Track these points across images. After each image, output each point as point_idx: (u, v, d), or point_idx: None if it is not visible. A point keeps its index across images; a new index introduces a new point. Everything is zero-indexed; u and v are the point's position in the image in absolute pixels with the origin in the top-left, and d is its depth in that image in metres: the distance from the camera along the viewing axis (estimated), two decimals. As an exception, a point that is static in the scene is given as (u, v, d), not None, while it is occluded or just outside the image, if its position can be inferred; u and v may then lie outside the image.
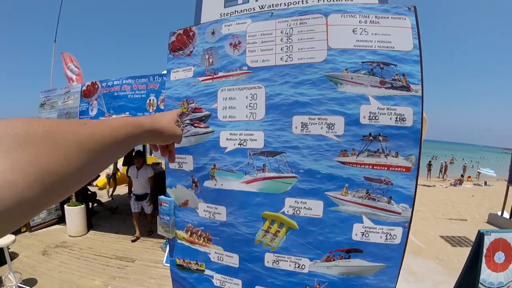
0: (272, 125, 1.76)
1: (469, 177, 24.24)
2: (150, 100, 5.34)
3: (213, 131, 1.91)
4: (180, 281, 2.27)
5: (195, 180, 2.02)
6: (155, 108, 5.23)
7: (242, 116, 1.84)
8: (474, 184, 21.36)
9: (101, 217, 8.02)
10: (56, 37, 9.76)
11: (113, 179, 10.25)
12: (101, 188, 10.28)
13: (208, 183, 1.96)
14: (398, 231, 1.63)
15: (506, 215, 9.99)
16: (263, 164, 1.78)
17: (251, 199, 1.83)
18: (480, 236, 2.02)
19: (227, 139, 1.87)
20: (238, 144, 1.84)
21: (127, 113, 5.49)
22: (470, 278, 2.06)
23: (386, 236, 1.65)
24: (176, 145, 2.06)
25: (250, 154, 1.81)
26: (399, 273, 1.70)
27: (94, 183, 10.26)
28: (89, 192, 8.15)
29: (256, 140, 1.79)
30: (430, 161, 24.78)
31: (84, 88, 6.18)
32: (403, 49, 1.60)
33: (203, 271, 2.12)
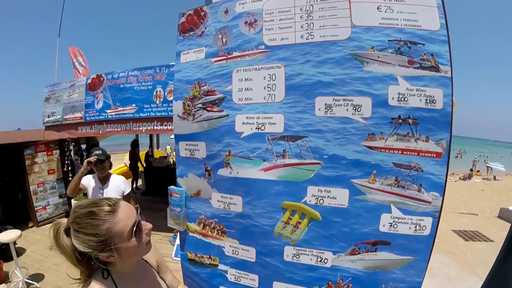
0: (293, 107, 1.63)
1: (478, 171, 23.94)
2: (157, 91, 5.25)
3: (228, 115, 1.78)
4: (192, 276, 2.15)
5: (208, 168, 1.89)
6: (162, 99, 5.16)
7: (259, 98, 1.71)
8: (483, 179, 21.05)
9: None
10: (60, 31, 9.74)
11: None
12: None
13: (223, 171, 1.84)
14: (428, 222, 1.51)
15: (517, 209, 9.84)
16: (283, 150, 1.65)
17: (270, 188, 1.70)
18: None
19: (243, 123, 1.74)
20: (256, 128, 1.71)
21: (134, 105, 5.39)
22: (503, 268, 1.93)
23: (416, 227, 1.53)
24: (187, 131, 1.95)
25: (269, 139, 1.68)
26: (427, 266, 1.58)
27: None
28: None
29: (275, 123, 1.66)
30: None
31: (89, 81, 6.09)
32: (430, 29, 1.47)
33: (217, 265, 2.00)
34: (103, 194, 3.65)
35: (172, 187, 2.03)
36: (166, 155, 12.64)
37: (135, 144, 10.71)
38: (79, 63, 7.93)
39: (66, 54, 8.34)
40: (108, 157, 3.79)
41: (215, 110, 1.82)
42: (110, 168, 3.98)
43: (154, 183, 10.03)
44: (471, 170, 22.56)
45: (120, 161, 11.28)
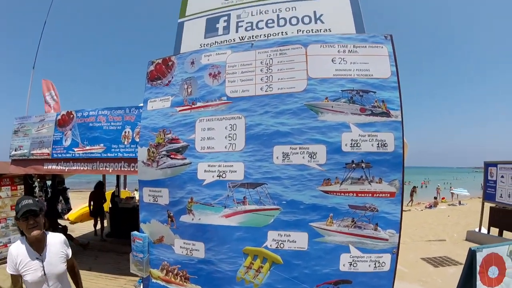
0: (253, 155, 1.70)
1: (443, 198, 24.65)
2: (125, 132, 5.19)
3: (191, 163, 1.83)
4: None
5: (171, 214, 1.91)
6: (130, 140, 5.11)
7: (221, 147, 1.78)
8: (449, 205, 21.66)
9: (72, 252, 7.45)
10: (35, 63, 9.56)
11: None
12: (72, 222, 9.80)
13: (185, 218, 1.86)
14: (387, 258, 1.59)
15: (484, 230, 10.16)
16: (244, 197, 1.71)
17: (231, 234, 1.73)
18: (472, 254, 2.00)
19: (205, 171, 1.79)
20: (217, 176, 1.76)
21: (102, 144, 5.29)
22: None
23: (375, 264, 1.59)
24: (151, 178, 1.97)
25: (229, 186, 1.73)
26: None
27: (66, 217, 9.79)
28: (59, 226, 7.76)
29: (236, 171, 1.73)
30: (415, 187, 24.80)
31: (59, 117, 5.95)
32: (381, 76, 1.62)
33: None
34: (43, 266, 2.39)
35: (135, 232, 2.02)
36: (133, 195, 12.24)
37: (99, 185, 9.77)
38: (51, 96, 7.78)
39: (39, 86, 8.18)
40: (41, 209, 2.44)
41: (178, 157, 1.87)
42: (45, 227, 2.56)
43: (120, 224, 9.62)
44: (435, 198, 23.23)
45: (85, 200, 10.79)
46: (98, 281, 5.92)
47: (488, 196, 7.51)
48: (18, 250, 2.44)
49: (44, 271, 2.41)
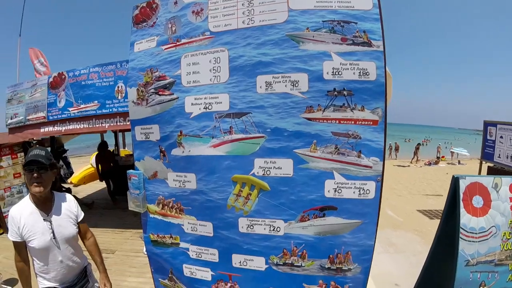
0: (237, 86, 1.74)
1: (443, 157, 24.85)
2: (118, 87, 5.19)
3: (178, 97, 1.87)
4: (156, 257, 2.24)
5: (163, 149, 1.98)
6: (123, 95, 5.09)
7: (206, 80, 1.81)
8: (448, 164, 21.93)
9: None
10: (21, 31, 9.38)
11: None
12: (76, 185, 10.01)
13: (176, 151, 1.93)
14: (371, 185, 1.65)
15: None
16: (230, 126, 1.76)
17: (220, 163, 1.81)
18: (455, 181, 2.02)
19: (192, 104, 1.84)
20: (204, 108, 1.81)
21: (96, 101, 5.29)
22: (450, 225, 2.05)
23: (359, 191, 1.66)
24: (141, 116, 2.02)
25: (216, 117, 1.78)
26: (376, 229, 1.71)
27: (69, 180, 10.00)
28: (63, 189, 7.93)
29: (221, 102, 1.77)
30: (419, 144, 24.86)
31: (51, 79, 5.91)
32: (363, 8, 1.61)
33: (178, 244, 2.09)
34: (51, 227, 2.16)
35: (131, 170, 2.10)
36: (132, 153, 12.34)
37: (103, 146, 9.07)
38: (40, 63, 7.69)
39: (27, 54, 8.08)
40: (53, 164, 2.17)
41: (166, 93, 1.90)
42: (57, 185, 2.41)
43: (122, 182, 9.82)
44: (438, 157, 23.46)
45: (87, 163, 10.92)
46: (104, 236, 6.16)
47: (486, 155, 7.58)
48: (21, 211, 2.14)
49: (53, 233, 2.14)
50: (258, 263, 1.90)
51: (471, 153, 25.88)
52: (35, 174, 2.03)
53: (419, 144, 24.80)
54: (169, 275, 2.22)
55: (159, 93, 1.92)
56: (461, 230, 1.99)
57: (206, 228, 1.96)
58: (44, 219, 2.13)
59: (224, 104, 1.76)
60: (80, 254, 2.40)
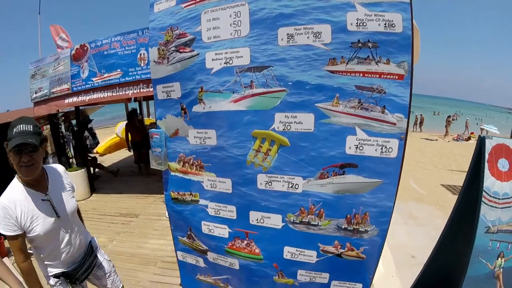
0: (258, 39, 1.70)
1: (472, 133, 24.11)
2: (140, 54, 5.22)
3: (198, 54, 1.85)
4: (176, 215, 2.29)
5: (184, 107, 1.98)
6: (146, 62, 5.11)
7: (226, 35, 1.77)
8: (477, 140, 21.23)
9: (104, 180, 7.97)
10: (40, 8, 9.55)
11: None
12: (102, 154, 10.33)
13: (197, 108, 1.93)
14: (394, 143, 1.59)
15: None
16: (251, 81, 1.74)
17: (241, 118, 1.80)
18: (481, 140, 1.92)
19: (212, 59, 1.82)
20: (224, 63, 1.78)
21: (119, 70, 5.36)
22: (473, 189, 1.96)
23: (382, 148, 1.61)
24: (163, 75, 2.02)
25: (236, 72, 1.76)
26: (397, 191, 1.67)
27: (95, 150, 10.31)
28: (89, 157, 8.20)
29: (242, 56, 1.74)
30: (449, 117, 24.13)
31: (73, 51, 5.99)
32: None
33: (198, 201, 2.13)
34: (53, 205, 1.95)
35: (152, 129, 2.13)
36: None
37: (133, 114, 8.50)
38: (62, 39, 7.81)
39: (48, 32, 8.23)
40: (44, 139, 1.89)
41: (187, 51, 1.89)
42: (44, 158, 1.99)
43: (146, 150, 10.02)
44: (469, 137, 22.77)
45: (112, 133, 11.21)
46: (129, 201, 6.43)
47: None
48: (13, 198, 1.84)
49: (56, 212, 1.93)
50: (275, 221, 1.92)
51: (501, 132, 25.01)
52: (25, 159, 1.76)
53: (449, 116, 24.04)
54: (188, 233, 2.28)
55: (180, 50, 1.91)
56: (484, 194, 1.91)
57: (225, 185, 1.98)
58: (42, 199, 1.90)
59: (245, 58, 1.73)
60: (83, 228, 2.28)
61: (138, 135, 8.08)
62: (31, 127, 1.79)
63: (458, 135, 21.06)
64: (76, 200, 2.15)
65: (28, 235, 1.86)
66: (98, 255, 2.36)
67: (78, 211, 2.30)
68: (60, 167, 2.18)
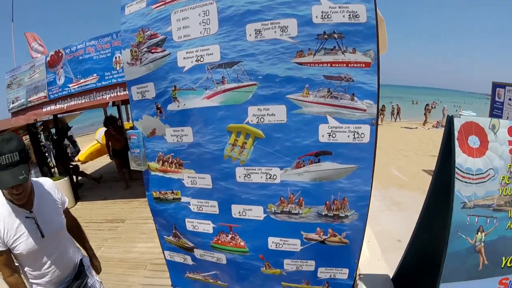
0: (227, 36, 1.74)
1: (450, 119, 24.52)
2: (116, 57, 5.19)
3: (170, 53, 1.88)
4: (160, 215, 2.32)
5: (159, 106, 2.01)
6: (122, 65, 4.97)
7: (196, 33, 1.81)
8: (457, 126, 21.69)
9: (87, 188, 7.87)
10: (13, 16, 9.39)
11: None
12: (83, 162, 10.19)
13: (172, 106, 1.96)
14: (366, 129, 1.65)
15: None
16: (222, 76, 1.78)
17: (214, 114, 1.84)
18: (450, 120, 1.96)
19: (184, 58, 1.85)
20: (196, 60, 1.82)
21: (95, 74, 5.28)
22: (446, 165, 2.02)
23: (354, 134, 1.67)
24: (136, 76, 2.04)
25: (208, 69, 1.80)
26: (372, 175, 1.74)
27: (76, 158, 10.16)
28: (71, 166, 8.08)
29: (212, 54, 1.78)
30: (427, 105, 24.27)
31: (48, 58, 5.91)
32: None
33: (180, 199, 2.17)
34: (37, 224, 1.83)
35: (130, 131, 2.15)
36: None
37: (109, 121, 7.72)
38: (38, 45, 7.71)
39: (22, 39, 8.10)
40: (29, 157, 1.79)
41: (158, 51, 1.91)
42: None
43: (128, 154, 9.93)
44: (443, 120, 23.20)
45: (93, 140, 11.06)
46: (113, 206, 6.41)
47: (494, 117, 7.53)
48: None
49: (41, 232, 1.82)
50: (256, 213, 1.97)
51: (478, 115, 25.65)
52: (17, 192, 1.66)
53: (427, 105, 24.40)
54: (173, 231, 2.31)
55: (152, 51, 1.94)
56: (456, 170, 1.96)
57: (205, 181, 2.02)
58: (26, 217, 1.79)
59: (215, 55, 1.77)
60: (73, 246, 2.16)
61: (116, 143, 7.58)
62: (16, 154, 1.64)
63: (437, 122, 21.48)
64: (64, 217, 2.03)
65: (12, 252, 1.77)
66: (89, 276, 2.22)
67: (77, 224, 2.29)
68: (48, 182, 2.05)
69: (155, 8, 1.92)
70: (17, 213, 1.77)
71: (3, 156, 1.59)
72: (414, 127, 20.57)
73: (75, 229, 2.26)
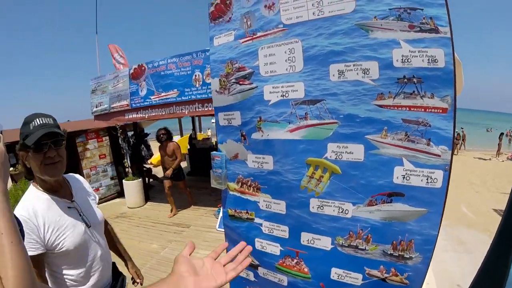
0: (311, 75, 1.86)
1: (527, 151, 22.24)
2: (195, 75, 5.58)
3: (257, 86, 2.05)
4: (232, 231, 2.48)
5: (244, 133, 2.19)
6: (201, 82, 5.49)
7: (282, 70, 1.95)
8: (534, 158, 19.70)
9: (157, 190, 8.60)
10: (97, 29, 10.49)
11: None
12: (155, 166, 10.89)
13: (256, 135, 2.13)
14: (439, 175, 1.65)
15: None
16: (305, 113, 1.90)
17: (296, 147, 1.96)
18: None
19: (270, 92, 2.01)
20: (281, 96, 1.97)
21: (175, 89, 5.77)
22: (494, 263, 1.94)
23: (427, 179, 1.67)
24: (224, 104, 2.25)
25: (292, 104, 1.93)
26: (441, 220, 1.72)
27: (149, 161, 10.90)
28: (144, 169, 8.74)
29: (297, 90, 1.91)
30: (502, 134, 22.03)
31: (132, 71, 6.58)
32: None
33: (253, 219, 2.31)
34: (81, 213, 1.74)
35: (214, 152, 2.35)
36: (208, 136, 12.96)
37: (166, 135, 6.90)
38: (119, 56, 8.54)
39: (105, 50, 8.98)
40: (64, 134, 1.62)
41: (246, 83, 2.10)
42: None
43: (198, 164, 10.43)
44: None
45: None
46: (181, 212, 6.77)
47: None
48: (35, 209, 1.53)
49: (86, 222, 1.72)
50: (324, 243, 2.03)
51: None
52: (51, 154, 1.50)
53: (502, 134, 22.22)
54: (242, 248, 2.45)
55: (240, 82, 2.13)
56: None
57: (279, 206, 2.14)
58: (68, 207, 1.66)
59: (300, 92, 1.90)
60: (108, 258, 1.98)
61: (168, 160, 7.00)
62: (51, 119, 1.55)
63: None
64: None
65: (53, 252, 1.58)
66: (121, 276, 2.16)
67: (110, 226, 2.22)
68: (79, 176, 1.98)
69: (242, 42, 2.10)
70: (57, 203, 1.64)
71: (35, 120, 1.50)
72: (487, 157, 18.94)
73: (111, 232, 2.26)
